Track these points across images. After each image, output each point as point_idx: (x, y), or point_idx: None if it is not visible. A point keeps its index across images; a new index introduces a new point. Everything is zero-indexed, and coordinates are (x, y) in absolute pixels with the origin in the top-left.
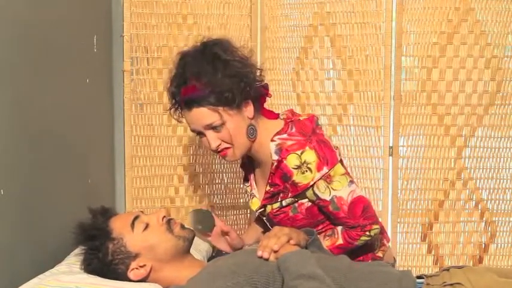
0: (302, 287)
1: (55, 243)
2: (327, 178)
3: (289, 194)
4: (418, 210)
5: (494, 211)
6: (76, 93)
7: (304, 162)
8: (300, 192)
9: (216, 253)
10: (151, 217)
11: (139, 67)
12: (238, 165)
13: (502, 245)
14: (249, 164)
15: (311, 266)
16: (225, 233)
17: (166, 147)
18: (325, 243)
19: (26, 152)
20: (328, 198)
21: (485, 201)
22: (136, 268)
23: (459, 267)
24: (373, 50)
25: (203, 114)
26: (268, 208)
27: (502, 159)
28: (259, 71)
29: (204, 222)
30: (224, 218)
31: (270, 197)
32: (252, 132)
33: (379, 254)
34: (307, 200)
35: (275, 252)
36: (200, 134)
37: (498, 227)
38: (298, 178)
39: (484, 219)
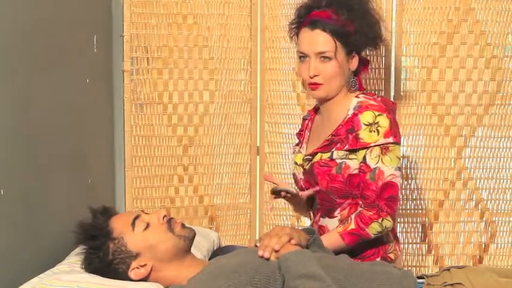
0: (303, 287)
1: (55, 243)
2: (384, 149)
3: (346, 147)
4: (418, 210)
5: (494, 211)
6: (76, 93)
7: (377, 123)
8: (356, 148)
9: (216, 252)
10: (151, 216)
11: (140, 67)
12: (238, 166)
13: (502, 245)
14: (307, 126)
15: (312, 266)
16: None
17: (166, 147)
18: (338, 229)
19: (26, 152)
20: (372, 165)
21: (485, 201)
22: (137, 267)
23: (460, 267)
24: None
25: (322, 39)
26: (318, 157)
27: (502, 159)
28: (380, 39)
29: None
30: (224, 218)
31: (327, 145)
32: (353, 85)
33: (391, 255)
34: (355, 162)
35: (276, 251)
36: (303, 57)
37: (498, 227)
38: (363, 134)
39: (484, 219)
